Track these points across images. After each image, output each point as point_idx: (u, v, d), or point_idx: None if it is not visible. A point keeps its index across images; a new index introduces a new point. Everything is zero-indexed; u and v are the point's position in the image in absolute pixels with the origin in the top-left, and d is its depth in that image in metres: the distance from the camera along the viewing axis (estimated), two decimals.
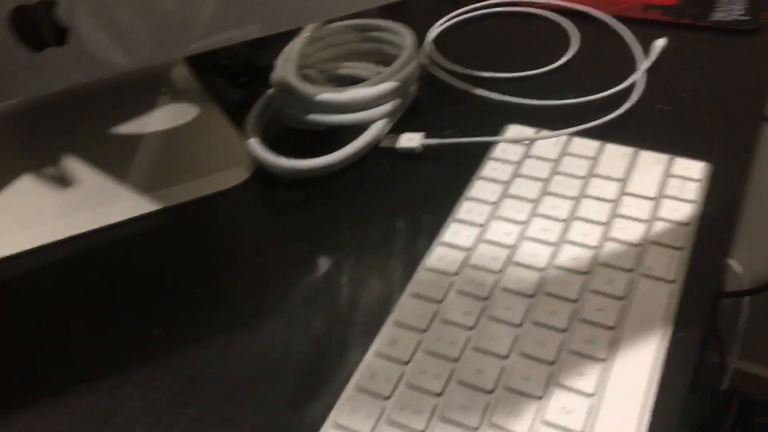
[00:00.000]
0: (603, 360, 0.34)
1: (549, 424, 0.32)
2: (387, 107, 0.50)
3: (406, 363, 0.35)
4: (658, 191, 0.43)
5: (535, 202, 0.43)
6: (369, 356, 0.36)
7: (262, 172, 0.49)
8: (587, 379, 0.33)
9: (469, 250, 0.40)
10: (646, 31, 0.61)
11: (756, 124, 0.50)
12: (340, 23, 0.57)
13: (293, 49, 0.53)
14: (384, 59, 0.56)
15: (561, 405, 0.32)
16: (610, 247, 0.40)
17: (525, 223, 0.42)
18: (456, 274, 0.39)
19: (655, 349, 0.34)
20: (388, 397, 0.34)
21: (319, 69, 0.55)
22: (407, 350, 0.35)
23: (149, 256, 0.44)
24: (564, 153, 0.46)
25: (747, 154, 0.48)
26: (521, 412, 0.32)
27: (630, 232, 0.41)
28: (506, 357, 0.35)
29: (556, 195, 0.43)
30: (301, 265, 0.43)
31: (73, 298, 0.42)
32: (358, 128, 0.50)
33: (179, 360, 0.38)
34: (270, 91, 0.53)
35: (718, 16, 0.62)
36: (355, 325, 0.39)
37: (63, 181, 0.49)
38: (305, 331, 0.39)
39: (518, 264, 0.39)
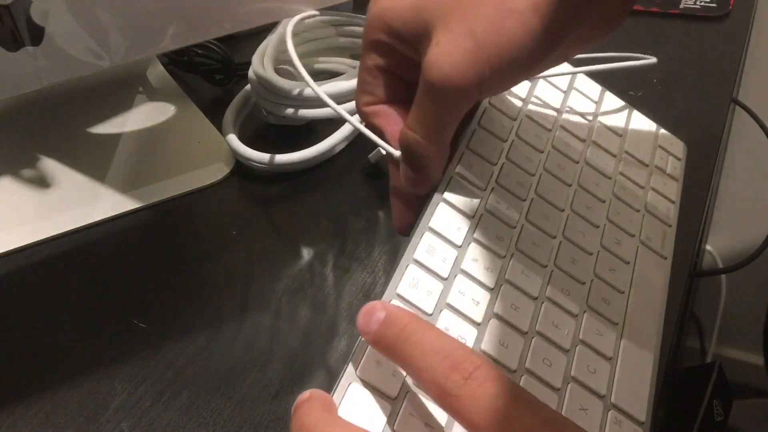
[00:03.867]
0: (616, 324, 0.34)
1: (577, 381, 0.31)
2: None
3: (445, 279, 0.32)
4: (650, 159, 0.42)
5: (551, 131, 0.40)
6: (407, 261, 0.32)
7: (242, 168, 0.49)
8: (605, 340, 0.33)
9: (472, 218, 0.35)
10: None
11: (726, 108, 0.51)
12: (315, 18, 0.57)
13: (269, 44, 0.53)
14: (360, 53, 0.56)
15: (586, 364, 0.32)
16: (615, 205, 0.39)
17: (543, 152, 0.39)
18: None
19: (656, 324, 0.35)
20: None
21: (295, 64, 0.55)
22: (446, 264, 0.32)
23: (133, 253, 0.44)
24: (571, 88, 0.44)
25: (718, 137, 0.49)
26: (554, 363, 0.31)
27: (631, 194, 0.40)
28: (536, 298, 0.33)
29: (567, 131, 0.41)
30: (284, 257, 0.43)
31: (58, 297, 0.42)
32: (336, 122, 0.50)
33: (166, 354, 0.38)
34: (247, 87, 0.54)
35: (688, 3, 0.63)
36: (341, 315, 0.39)
37: (43, 181, 0.49)
38: (291, 322, 0.39)
39: (541, 198, 0.37)
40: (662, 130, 0.45)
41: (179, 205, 0.48)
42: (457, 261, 0.32)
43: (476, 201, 0.35)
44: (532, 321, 0.32)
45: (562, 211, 0.37)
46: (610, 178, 0.40)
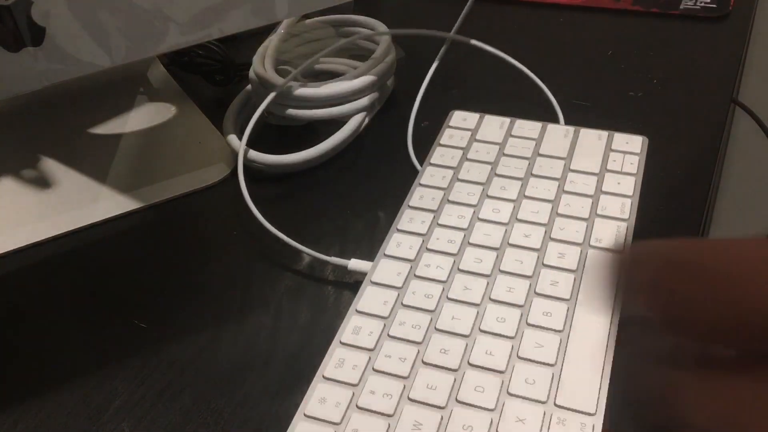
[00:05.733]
0: (560, 331, 0.35)
1: (514, 396, 0.33)
2: (364, 101, 0.50)
3: (371, 350, 0.35)
4: (600, 166, 0.44)
5: (485, 184, 0.44)
6: (335, 346, 0.36)
7: (243, 168, 0.49)
8: (547, 350, 0.35)
9: (423, 236, 0.41)
10: (617, 20, 0.62)
11: (726, 108, 0.51)
12: (316, 19, 0.57)
13: (270, 45, 0.53)
14: (359, 53, 0.56)
15: (524, 377, 0.34)
16: (559, 222, 0.41)
17: (476, 206, 0.43)
18: (413, 260, 0.40)
19: (608, 315, 0.36)
20: (356, 384, 0.34)
21: (296, 64, 0.56)
22: (371, 337, 0.36)
23: (135, 253, 0.44)
24: (509, 135, 0.48)
25: (718, 137, 0.49)
26: (487, 387, 0.33)
27: (577, 207, 0.42)
28: (468, 336, 0.35)
29: (504, 176, 0.44)
30: (285, 257, 0.43)
31: (59, 297, 0.42)
32: (337, 122, 0.50)
33: (167, 354, 0.38)
34: (248, 88, 0.54)
35: (688, 3, 0.63)
36: (341, 314, 0.39)
37: (44, 182, 0.49)
38: (291, 322, 0.39)
39: (474, 245, 0.40)
40: (616, 134, 0.47)
41: (180, 205, 0.48)
42: (399, 298, 0.38)
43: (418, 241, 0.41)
44: (463, 356, 0.35)
45: (497, 249, 0.40)
46: (551, 201, 0.42)
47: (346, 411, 0.33)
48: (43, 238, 0.45)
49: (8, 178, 0.49)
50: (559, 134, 0.47)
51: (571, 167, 0.44)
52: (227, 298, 0.41)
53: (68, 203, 0.47)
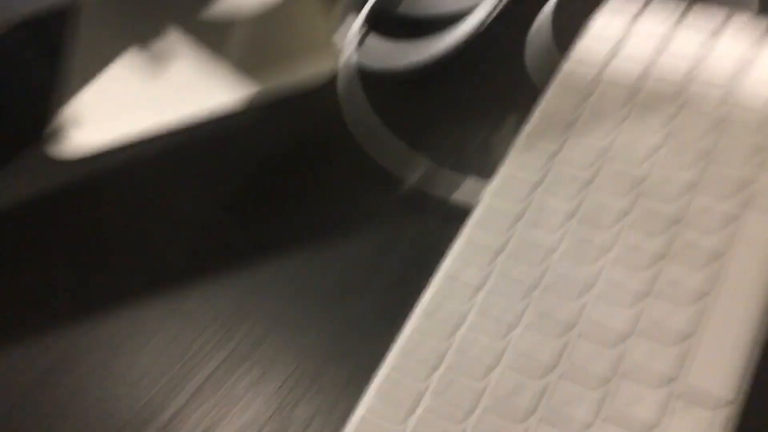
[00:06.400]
0: (698, 301, 0.30)
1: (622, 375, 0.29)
2: None
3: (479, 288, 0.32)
4: None
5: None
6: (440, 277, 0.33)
7: (355, 61, 0.46)
8: (678, 320, 0.30)
9: (554, 149, 0.36)
10: None
11: None
12: None
13: None
14: None
15: (642, 351, 0.29)
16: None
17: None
18: (537, 182, 0.35)
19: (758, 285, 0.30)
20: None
21: None
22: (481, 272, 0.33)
23: (243, 146, 0.43)
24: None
25: None
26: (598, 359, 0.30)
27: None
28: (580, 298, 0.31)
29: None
30: (396, 165, 0.40)
31: (172, 186, 0.42)
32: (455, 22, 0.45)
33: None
34: None
35: None
36: (451, 233, 0.36)
37: (155, 67, 0.48)
38: (400, 238, 0.37)
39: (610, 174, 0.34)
40: None
41: (295, 97, 0.45)
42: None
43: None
44: (571, 317, 0.30)
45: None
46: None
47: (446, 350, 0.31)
48: (155, 124, 0.45)
49: (121, 63, 0.49)
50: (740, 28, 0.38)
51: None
52: (329, 211, 0.39)
53: (180, 91, 0.46)
